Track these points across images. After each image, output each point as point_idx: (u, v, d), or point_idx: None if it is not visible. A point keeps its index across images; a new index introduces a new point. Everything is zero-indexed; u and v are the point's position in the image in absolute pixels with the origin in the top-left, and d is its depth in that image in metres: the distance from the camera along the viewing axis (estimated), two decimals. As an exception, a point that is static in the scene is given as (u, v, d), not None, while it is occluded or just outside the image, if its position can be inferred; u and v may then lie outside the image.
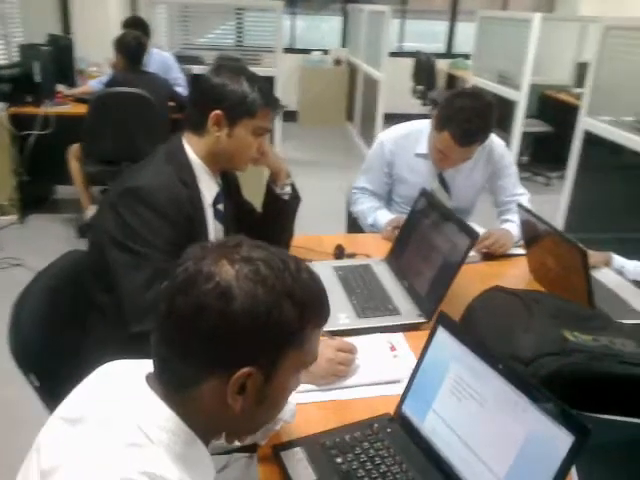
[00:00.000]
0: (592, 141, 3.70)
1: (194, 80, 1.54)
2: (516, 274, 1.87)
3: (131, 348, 1.37)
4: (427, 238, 1.65)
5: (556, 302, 1.38)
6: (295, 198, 1.74)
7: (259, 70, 6.57)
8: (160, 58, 4.37)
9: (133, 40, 3.78)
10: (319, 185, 5.59)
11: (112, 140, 3.59)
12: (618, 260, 1.87)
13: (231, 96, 1.43)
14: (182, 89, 4.25)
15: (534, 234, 1.74)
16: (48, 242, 3.70)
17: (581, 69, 5.54)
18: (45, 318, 1.35)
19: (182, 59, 4.76)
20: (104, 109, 3.56)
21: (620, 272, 1.84)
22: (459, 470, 0.98)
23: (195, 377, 0.73)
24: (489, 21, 5.42)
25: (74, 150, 3.80)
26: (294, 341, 0.74)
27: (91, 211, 3.95)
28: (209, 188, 1.54)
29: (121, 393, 0.76)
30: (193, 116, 1.50)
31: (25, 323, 1.32)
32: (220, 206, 1.59)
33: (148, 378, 0.78)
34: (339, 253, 1.88)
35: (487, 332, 1.28)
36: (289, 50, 7.13)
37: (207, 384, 0.72)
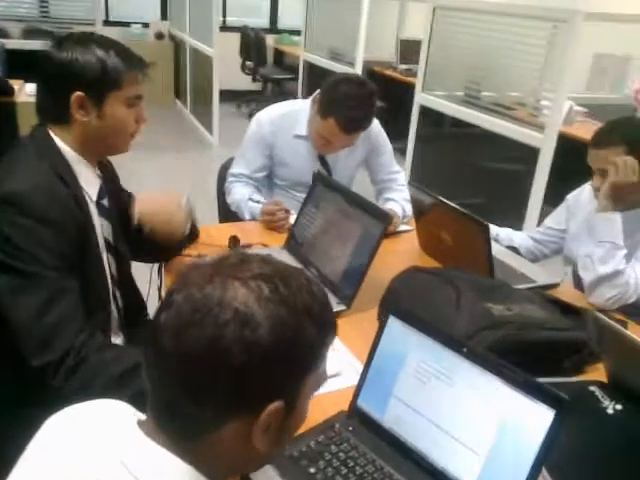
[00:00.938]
0: (427, 114, 3.97)
1: (36, 62, 1.29)
2: (407, 249, 1.93)
3: (23, 383, 1.18)
4: (332, 223, 1.63)
5: (468, 276, 1.45)
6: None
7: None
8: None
9: None
10: (162, 170, 5.23)
11: None
12: (492, 228, 2.01)
13: (87, 71, 1.22)
14: (-4, 68, 3.71)
15: (425, 210, 1.81)
16: None
17: (404, 46, 5.88)
18: None
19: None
20: None
21: (495, 240, 1.99)
22: (433, 456, 0.98)
23: (214, 421, 0.62)
24: (317, -3, 5.48)
25: None
26: (316, 362, 0.67)
27: None
28: (91, 183, 1.34)
29: (113, 451, 0.63)
30: (48, 105, 1.28)
31: None
32: (104, 201, 1.40)
33: (142, 426, 0.66)
34: (234, 245, 1.78)
35: (416, 312, 1.30)
36: (105, 23, 6.57)
37: (228, 427, 0.62)
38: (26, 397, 1.17)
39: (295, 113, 2.14)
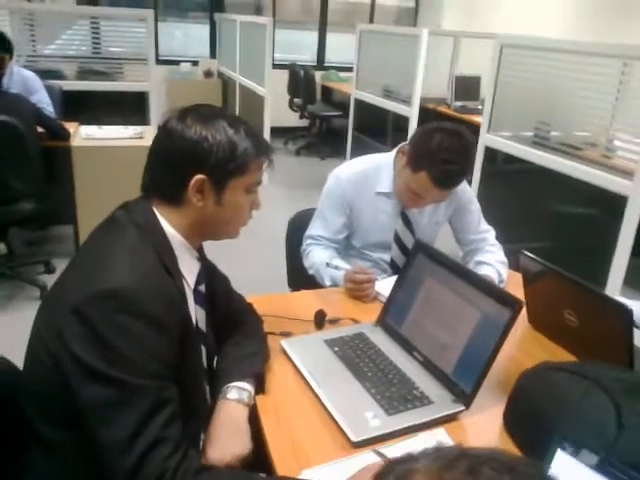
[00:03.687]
0: (491, 155, 3.76)
1: (160, 134, 1.12)
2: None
3: None
4: (439, 302, 1.42)
5: (612, 373, 1.22)
6: None
7: (126, 85, 5.92)
8: (21, 78, 3.71)
9: None
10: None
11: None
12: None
13: (216, 153, 1.07)
14: (49, 112, 3.65)
15: (538, 282, 1.59)
16: None
17: (458, 82, 5.71)
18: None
19: (38, 74, 4.05)
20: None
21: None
22: None
23: None
24: (369, 35, 5.38)
25: None
26: None
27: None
28: (190, 268, 1.18)
29: None
30: (161, 183, 1.11)
31: None
32: (202, 287, 1.23)
33: None
34: (320, 320, 1.59)
35: (563, 428, 1.07)
36: (156, 61, 6.58)
37: None
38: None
39: (376, 169, 1.95)
